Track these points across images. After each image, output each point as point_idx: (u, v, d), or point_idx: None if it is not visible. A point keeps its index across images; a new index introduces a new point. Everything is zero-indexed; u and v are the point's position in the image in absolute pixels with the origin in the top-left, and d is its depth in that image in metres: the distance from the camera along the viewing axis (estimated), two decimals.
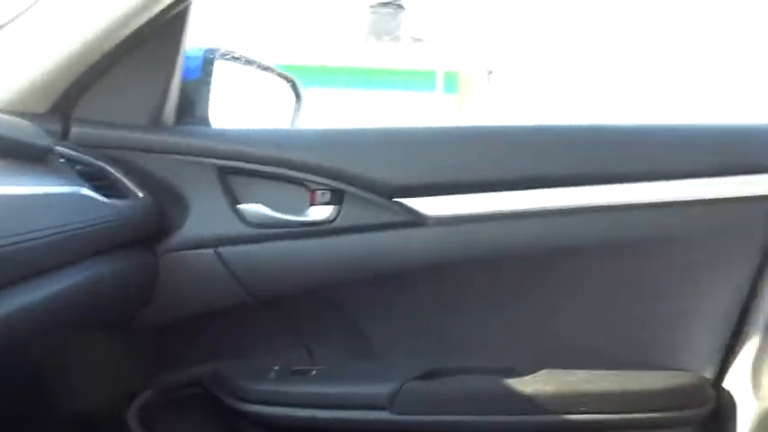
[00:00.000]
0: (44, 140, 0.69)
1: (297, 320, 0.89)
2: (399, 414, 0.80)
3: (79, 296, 0.65)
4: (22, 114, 0.77)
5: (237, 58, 1.06)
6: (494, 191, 0.84)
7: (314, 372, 0.85)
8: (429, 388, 0.81)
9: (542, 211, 0.84)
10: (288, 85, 1.14)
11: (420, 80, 8.80)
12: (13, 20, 0.82)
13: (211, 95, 0.99)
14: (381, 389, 0.81)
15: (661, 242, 0.85)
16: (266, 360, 0.86)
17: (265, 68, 1.11)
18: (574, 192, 0.83)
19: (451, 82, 8.93)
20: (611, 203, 0.83)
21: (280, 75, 1.14)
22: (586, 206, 0.83)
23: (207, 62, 1.00)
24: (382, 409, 0.81)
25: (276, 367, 0.85)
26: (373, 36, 9.68)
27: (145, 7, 0.79)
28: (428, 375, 0.82)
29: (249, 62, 1.08)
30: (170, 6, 0.82)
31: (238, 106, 1.06)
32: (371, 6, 9.81)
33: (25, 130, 0.67)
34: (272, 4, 8.99)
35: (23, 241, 0.54)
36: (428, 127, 0.96)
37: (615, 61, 9.08)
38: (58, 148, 0.73)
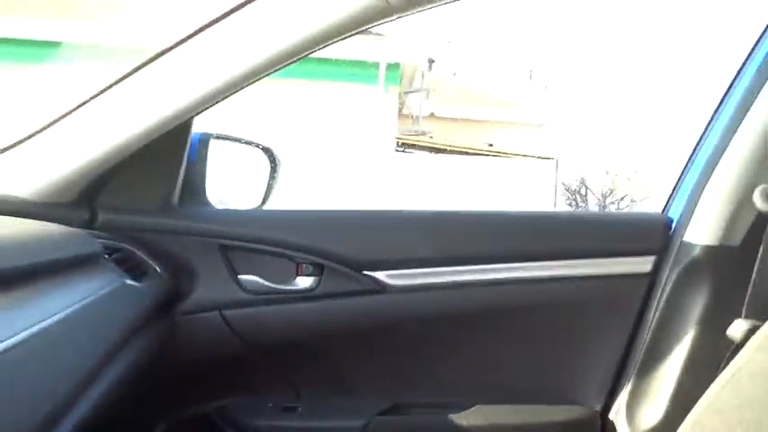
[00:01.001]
0: (94, 246, 0.87)
1: (286, 366, 1.10)
2: None
3: (131, 370, 0.85)
4: (52, 204, 0.95)
5: (226, 137, 1.25)
6: (439, 266, 1.08)
7: (300, 408, 1.08)
8: (393, 422, 1.06)
9: (475, 281, 1.08)
10: (266, 155, 1.34)
11: (362, 72, 8.91)
12: (49, 125, 0.99)
13: (207, 173, 1.19)
14: (355, 422, 1.04)
15: (562, 306, 1.11)
16: (262, 398, 1.08)
17: (248, 143, 1.31)
18: (498, 267, 1.09)
19: (394, 74, 9.10)
20: (526, 277, 1.09)
21: (259, 146, 1.33)
22: (508, 279, 1.09)
23: (202, 144, 1.19)
24: None
25: (270, 405, 1.07)
26: None
27: (164, 125, 0.97)
28: (392, 410, 1.06)
29: (235, 139, 1.28)
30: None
31: (228, 177, 1.26)
32: None
33: (78, 242, 0.85)
34: None
35: (95, 352, 0.73)
36: (390, 212, 1.18)
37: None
38: (99, 240, 0.92)
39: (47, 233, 0.82)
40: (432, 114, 11.64)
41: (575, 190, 13.88)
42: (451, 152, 10.99)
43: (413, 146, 10.84)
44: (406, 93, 10.54)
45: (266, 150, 1.35)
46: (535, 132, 12.79)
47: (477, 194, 9.82)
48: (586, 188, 13.90)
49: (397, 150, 10.01)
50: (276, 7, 0.88)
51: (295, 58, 0.89)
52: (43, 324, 0.63)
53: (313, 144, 8.00)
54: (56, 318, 0.66)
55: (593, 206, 13.45)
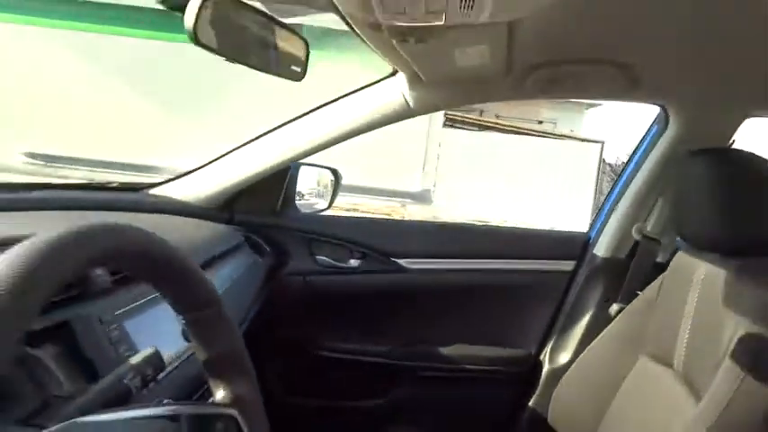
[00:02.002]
0: (238, 237, 1.56)
1: (341, 314, 1.78)
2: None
3: (260, 307, 1.54)
4: (208, 209, 1.64)
5: (310, 165, 1.92)
6: (438, 258, 1.74)
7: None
8: (405, 349, 1.73)
9: (460, 269, 1.74)
10: (333, 174, 2.00)
11: None
12: (212, 161, 1.67)
13: (297, 188, 1.86)
14: (384, 348, 1.72)
15: (515, 287, 1.75)
16: (326, 332, 1.76)
17: (321, 167, 1.97)
18: (474, 261, 1.73)
19: None
20: (493, 268, 1.73)
21: (329, 168, 1.99)
22: (481, 269, 1.73)
23: (295, 169, 1.86)
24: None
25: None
26: None
27: (283, 164, 1.63)
28: (406, 343, 1.74)
29: (314, 165, 1.94)
30: None
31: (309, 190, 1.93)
32: None
33: (233, 235, 1.54)
34: None
35: (247, 297, 1.43)
36: (410, 221, 1.84)
37: None
38: (239, 233, 1.61)
39: (218, 230, 1.51)
40: None
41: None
42: (500, 130, 11.36)
43: (462, 122, 11.16)
44: None
45: (333, 171, 2.01)
46: (585, 113, 13.00)
47: (523, 174, 10.28)
48: None
49: (444, 126, 10.39)
50: (341, 108, 1.51)
51: (342, 140, 1.52)
52: (227, 285, 1.32)
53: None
54: (232, 279, 1.36)
55: None
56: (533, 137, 11.47)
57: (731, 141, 1.46)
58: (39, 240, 0.45)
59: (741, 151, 1.19)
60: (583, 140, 11.61)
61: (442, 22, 0.87)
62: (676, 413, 1.12)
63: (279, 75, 1.12)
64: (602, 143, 11.37)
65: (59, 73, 8.00)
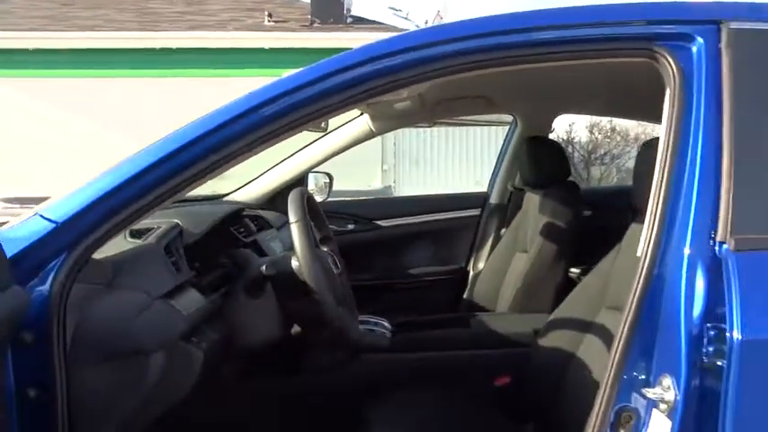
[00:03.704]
0: (283, 219, 2.69)
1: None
2: None
3: None
4: (258, 205, 2.76)
5: (313, 172, 3.05)
6: (398, 217, 2.91)
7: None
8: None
9: (409, 223, 2.91)
10: (328, 177, 3.12)
11: None
12: (259, 176, 2.78)
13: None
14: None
15: (447, 228, 2.92)
16: None
17: (319, 172, 3.10)
18: (421, 216, 2.91)
19: None
20: (417, 221, 2.91)
21: (324, 173, 3.12)
22: (426, 221, 2.91)
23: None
24: None
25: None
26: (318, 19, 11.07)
27: (308, 170, 2.78)
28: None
29: (316, 172, 3.08)
30: None
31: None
32: None
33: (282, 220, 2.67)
34: None
35: None
36: (383, 199, 3.02)
37: None
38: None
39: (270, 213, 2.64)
40: None
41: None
42: (448, 124, 12.56)
43: None
44: None
45: (328, 175, 3.14)
46: None
47: (473, 160, 11.53)
48: (572, 146, 15.53)
49: None
50: (333, 136, 2.65)
51: (336, 155, 2.67)
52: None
53: None
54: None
55: (578, 161, 15.09)
56: (481, 127, 12.69)
57: (551, 130, 2.68)
58: None
59: (547, 138, 2.40)
60: None
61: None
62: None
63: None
64: None
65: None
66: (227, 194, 2.73)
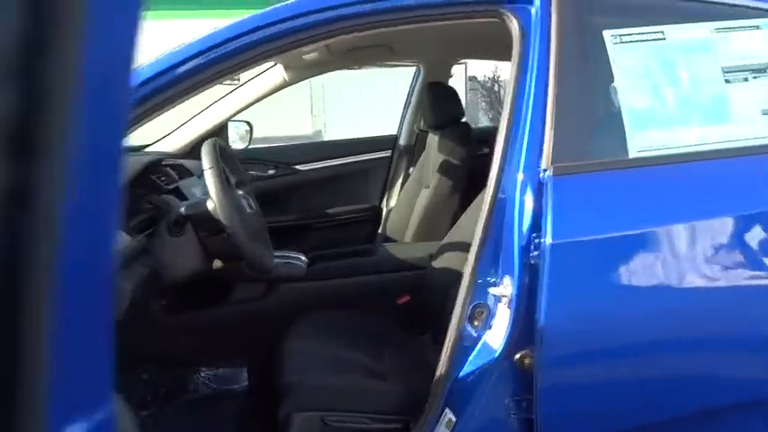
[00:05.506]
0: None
1: None
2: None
3: None
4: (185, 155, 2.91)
5: (234, 121, 3.20)
6: (315, 161, 3.12)
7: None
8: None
9: (327, 167, 3.12)
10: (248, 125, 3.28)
11: None
12: (183, 125, 2.91)
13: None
14: None
15: (362, 170, 3.16)
16: None
17: (239, 121, 3.25)
18: (340, 159, 3.13)
19: None
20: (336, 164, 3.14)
21: (244, 121, 3.27)
22: (342, 163, 3.13)
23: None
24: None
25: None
26: None
27: None
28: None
29: (236, 121, 3.23)
30: None
31: None
32: None
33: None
34: None
35: None
36: (301, 144, 3.22)
37: None
38: None
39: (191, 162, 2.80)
40: None
41: (489, 87, 15.84)
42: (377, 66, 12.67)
43: None
44: None
45: (248, 123, 3.29)
46: None
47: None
48: (498, 85, 15.85)
49: None
50: (252, 85, 2.81)
51: (254, 104, 2.84)
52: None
53: None
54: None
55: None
56: (408, 67, 12.88)
57: (450, 76, 2.92)
58: None
59: (444, 84, 2.65)
60: None
61: None
62: None
63: None
64: (466, 63, 12.96)
65: None
66: (149, 145, 2.86)
